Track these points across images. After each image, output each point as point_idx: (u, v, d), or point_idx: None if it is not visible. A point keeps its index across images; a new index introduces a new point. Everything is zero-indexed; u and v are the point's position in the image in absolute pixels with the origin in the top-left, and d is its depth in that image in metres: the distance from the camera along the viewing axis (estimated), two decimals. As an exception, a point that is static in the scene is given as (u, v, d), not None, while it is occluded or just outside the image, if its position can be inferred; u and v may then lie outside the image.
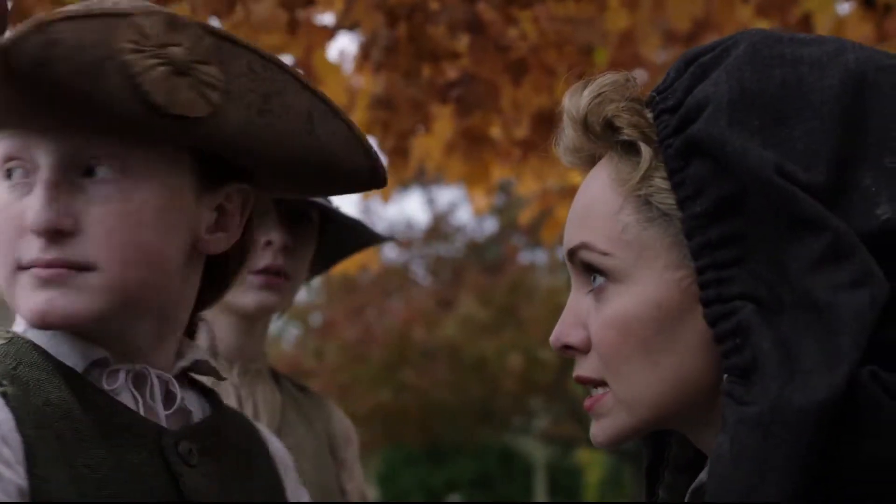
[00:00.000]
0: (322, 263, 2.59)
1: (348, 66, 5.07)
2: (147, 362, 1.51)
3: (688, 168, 1.27)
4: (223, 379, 1.62)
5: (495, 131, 4.63)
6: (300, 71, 3.95)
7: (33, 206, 1.41)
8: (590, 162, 1.40)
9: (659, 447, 1.47)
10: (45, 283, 1.41)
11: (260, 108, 1.44)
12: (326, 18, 4.55)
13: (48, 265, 1.41)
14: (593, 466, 22.15)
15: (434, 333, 16.86)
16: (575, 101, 1.37)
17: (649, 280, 1.30)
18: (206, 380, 1.65)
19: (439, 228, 19.08)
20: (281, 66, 1.48)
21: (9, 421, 1.36)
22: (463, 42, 3.93)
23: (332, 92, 4.59)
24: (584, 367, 1.36)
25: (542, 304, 16.03)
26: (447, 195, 19.92)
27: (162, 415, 1.51)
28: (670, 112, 1.31)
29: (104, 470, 1.40)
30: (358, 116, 4.68)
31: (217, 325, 2.39)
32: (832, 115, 1.25)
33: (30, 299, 1.42)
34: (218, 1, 3.63)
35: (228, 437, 1.58)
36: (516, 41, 3.91)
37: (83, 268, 1.41)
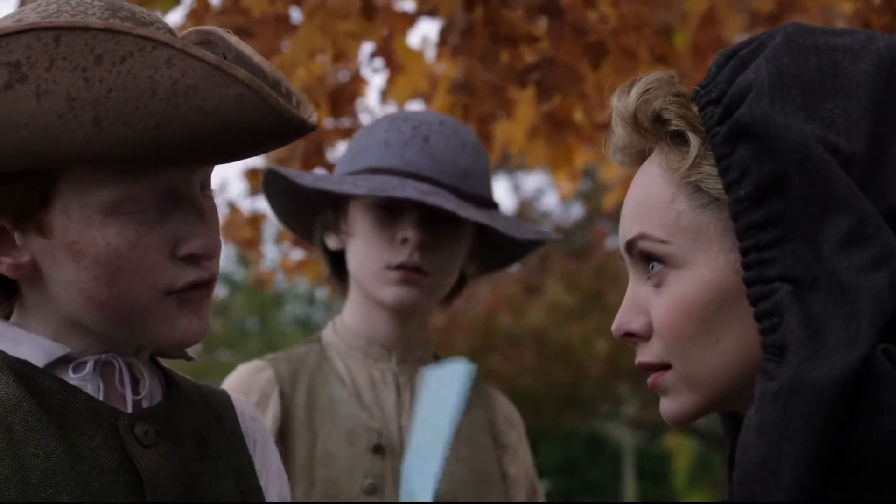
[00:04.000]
0: (494, 260, 2.67)
1: (431, 53, 5.07)
2: (114, 350, 1.57)
3: (734, 153, 1.34)
4: (190, 359, 1.66)
5: (578, 115, 4.61)
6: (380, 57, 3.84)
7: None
8: (639, 159, 1.47)
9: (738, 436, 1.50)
10: (201, 306, 1.55)
11: None
12: (407, 5, 4.56)
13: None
14: (681, 452, 22.02)
15: (520, 320, 16.84)
16: (623, 99, 1.44)
17: (705, 264, 1.37)
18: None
19: (525, 214, 19.03)
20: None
21: None
22: (540, 25, 3.91)
23: (413, 78, 4.60)
24: (647, 353, 1.43)
25: (629, 290, 15.92)
26: (533, 181, 19.88)
27: (129, 400, 1.55)
28: (714, 103, 1.37)
29: (54, 458, 1.47)
30: (440, 102, 4.68)
31: (375, 317, 2.52)
32: (867, 95, 1.32)
33: (180, 322, 1.53)
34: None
35: (186, 418, 1.60)
36: (596, 24, 3.89)
37: None
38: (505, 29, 3.67)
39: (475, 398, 2.60)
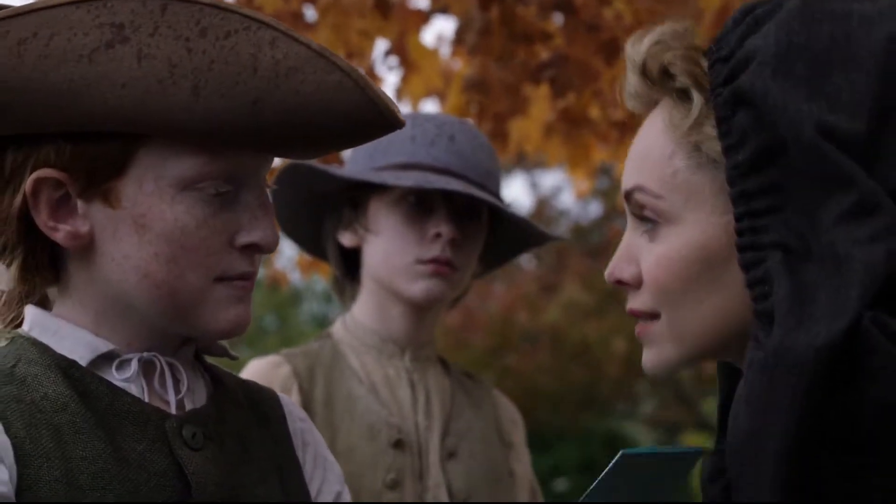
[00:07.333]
0: (496, 259, 2.72)
1: (446, 51, 5.07)
2: (157, 350, 1.54)
3: (734, 117, 1.33)
4: (235, 358, 1.64)
5: (594, 112, 4.60)
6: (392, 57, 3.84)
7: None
8: (650, 107, 1.47)
9: (733, 385, 1.49)
10: (246, 297, 1.53)
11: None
12: (421, 2, 4.55)
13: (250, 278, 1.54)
14: (699, 451, 21.95)
15: (537, 318, 16.83)
16: (636, 47, 1.45)
17: (697, 223, 1.38)
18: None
19: (543, 212, 19.01)
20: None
21: None
22: (554, 22, 3.90)
23: (427, 76, 4.59)
24: (636, 301, 1.46)
25: (646, 288, 15.93)
26: (550, 179, 19.87)
27: (173, 401, 1.53)
28: (723, 62, 1.37)
29: (101, 461, 1.44)
30: (453, 100, 4.67)
31: (390, 313, 2.55)
32: (877, 68, 1.30)
33: (229, 310, 1.51)
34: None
35: (230, 419, 1.58)
36: (610, 21, 3.88)
37: None
38: (520, 27, 3.67)
39: (482, 397, 2.65)
